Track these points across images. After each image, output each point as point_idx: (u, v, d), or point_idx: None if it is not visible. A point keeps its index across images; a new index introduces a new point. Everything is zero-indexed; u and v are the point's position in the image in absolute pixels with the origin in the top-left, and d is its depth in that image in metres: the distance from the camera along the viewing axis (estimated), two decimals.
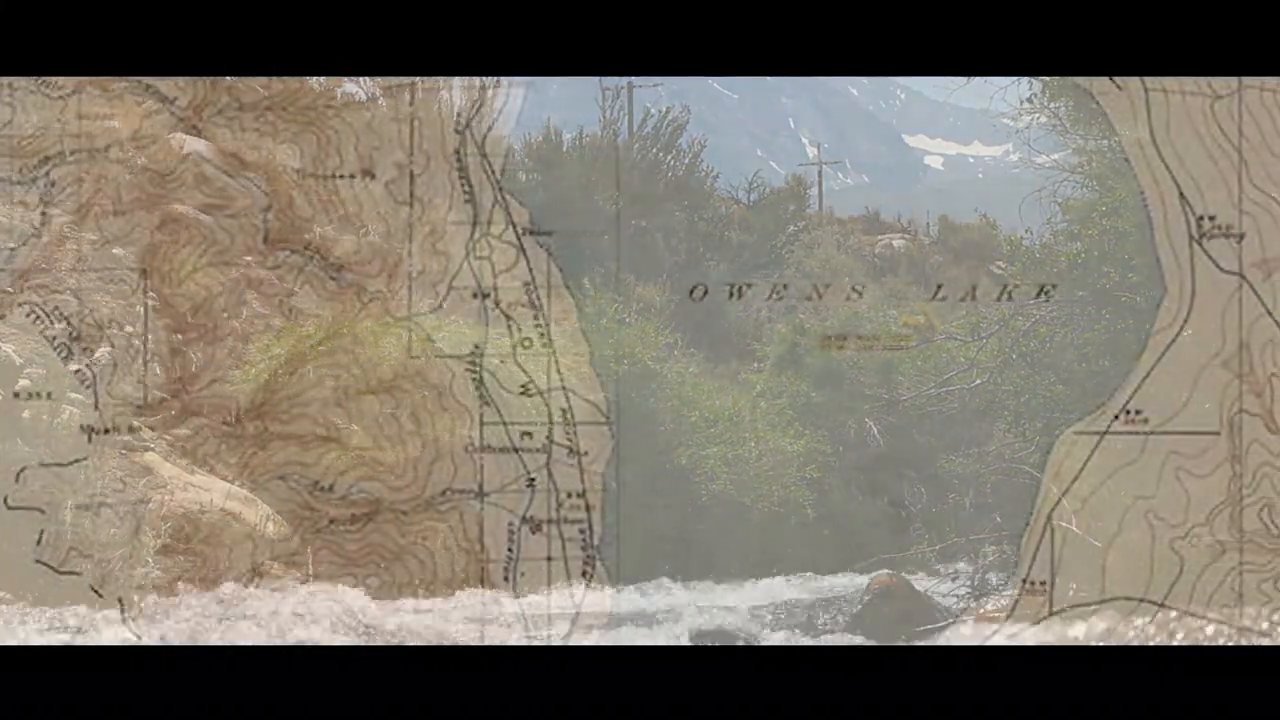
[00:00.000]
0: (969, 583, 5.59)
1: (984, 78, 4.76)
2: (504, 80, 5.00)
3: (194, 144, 4.84)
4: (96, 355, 4.93)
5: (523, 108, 5.02)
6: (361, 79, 4.98)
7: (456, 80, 4.98)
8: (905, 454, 6.95)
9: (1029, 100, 4.84)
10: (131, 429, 4.94)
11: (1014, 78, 4.68)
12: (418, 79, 5.02)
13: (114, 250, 4.92)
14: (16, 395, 4.88)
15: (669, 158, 8.26)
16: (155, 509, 4.93)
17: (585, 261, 5.12)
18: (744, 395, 5.90)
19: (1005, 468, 5.27)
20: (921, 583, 5.61)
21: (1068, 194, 5.21)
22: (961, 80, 4.74)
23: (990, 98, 4.90)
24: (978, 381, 4.64)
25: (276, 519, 4.94)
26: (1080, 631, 5.00)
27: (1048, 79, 5.11)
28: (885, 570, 5.66)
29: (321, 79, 4.94)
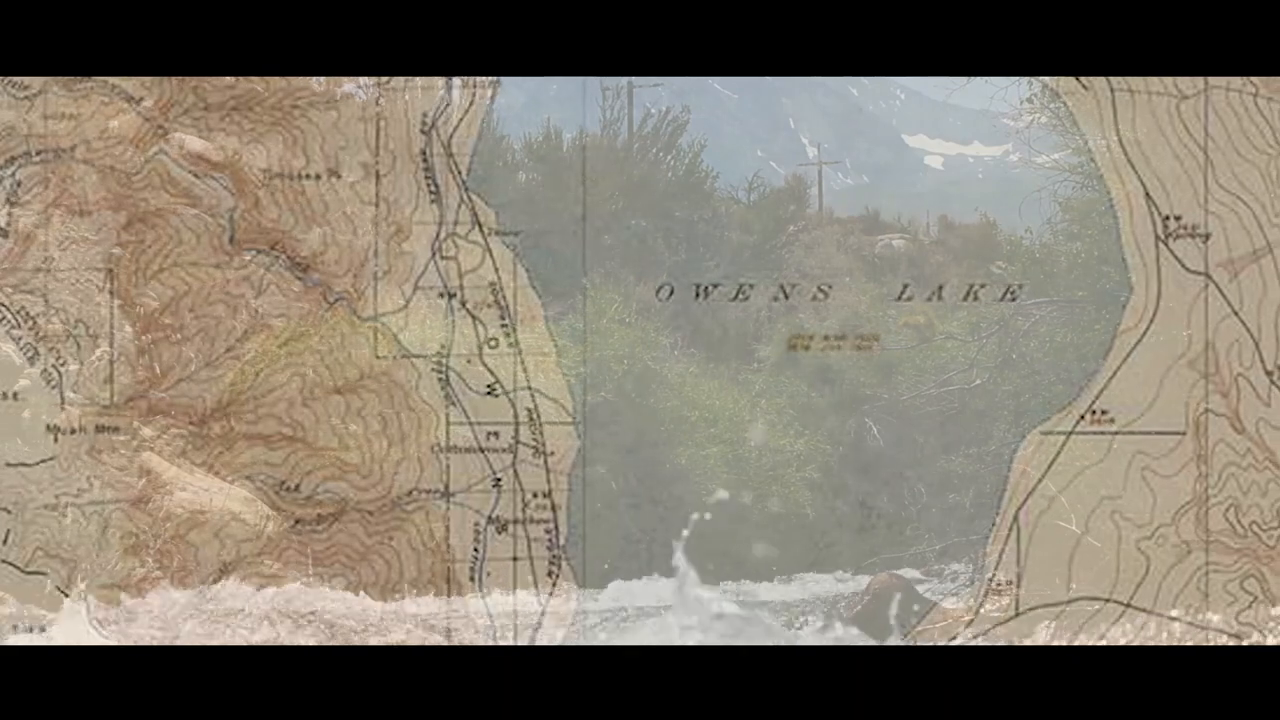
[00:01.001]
0: (968, 583, 5.59)
1: (984, 78, 4.75)
2: (471, 80, 5.00)
3: (193, 144, 4.85)
4: (63, 355, 4.94)
5: (490, 107, 5.03)
6: (362, 79, 4.99)
7: (420, 80, 4.98)
8: (906, 454, 6.95)
9: (1029, 100, 4.84)
10: (99, 429, 4.95)
11: (1014, 78, 4.67)
12: (390, 78, 5.02)
13: (80, 250, 4.92)
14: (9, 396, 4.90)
15: (669, 158, 8.27)
16: (125, 512, 4.94)
17: (573, 262, 5.12)
18: (744, 395, 5.90)
19: (976, 470, 5.28)
20: (921, 582, 5.61)
21: (1068, 194, 5.21)
22: (961, 80, 4.74)
23: (990, 98, 4.90)
24: (978, 382, 4.65)
25: (276, 518, 4.95)
26: (1046, 632, 5.00)
27: (1046, 79, 5.10)
28: (885, 570, 5.66)
29: (321, 78, 4.94)
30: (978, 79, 4.67)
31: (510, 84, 5.44)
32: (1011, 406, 6.69)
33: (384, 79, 4.99)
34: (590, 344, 5.10)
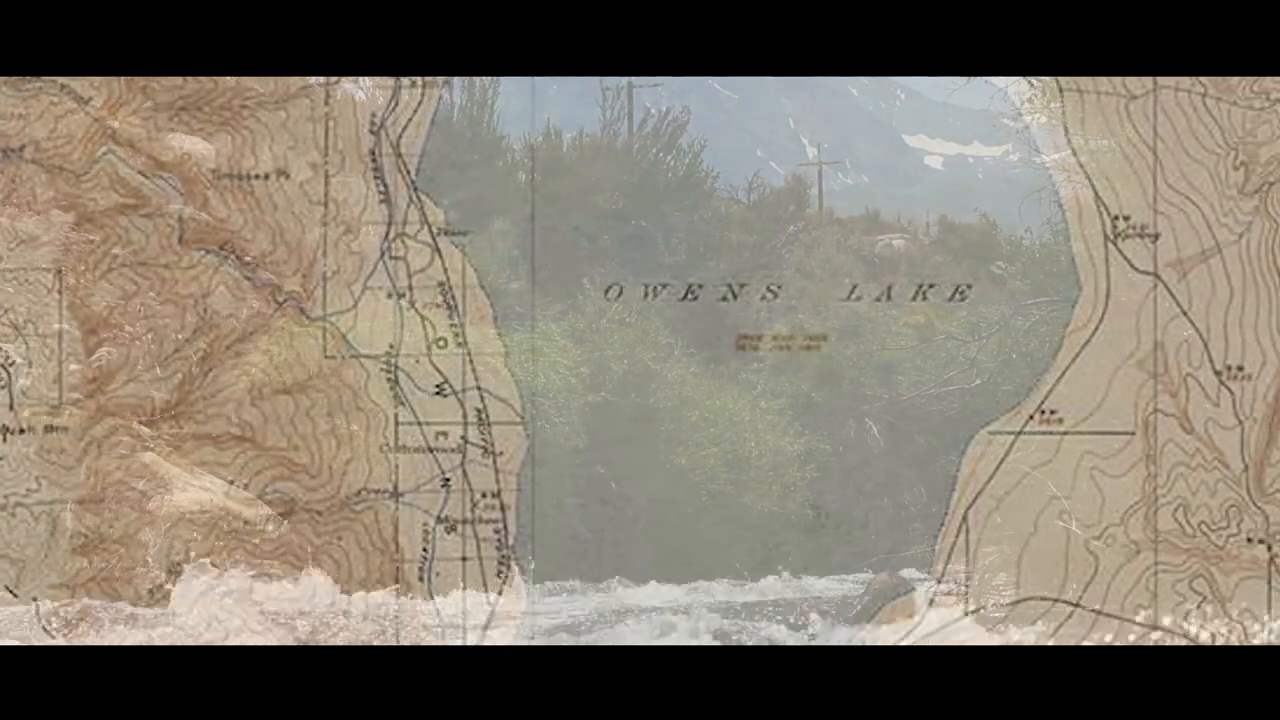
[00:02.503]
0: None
1: (984, 78, 4.76)
2: (419, 80, 5.00)
3: (192, 144, 4.85)
4: (11, 356, 4.95)
5: (438, 108, 5.03)
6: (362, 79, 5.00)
7: (367, 80, 4.99)
8: (905, 454, 6.95)
9: (1029, 100, 4.83)
10: (48, 429, 4.96)
11: (1014, 78, 4.68)
12: (339, 78, 5.03)
13: (29, 250, 4.93)
14: None
15: (669, 158, 8.26)
16: (74, 512, 4.94)
17: (519, 262, 5.11)
18: (744, 395, 5.91)
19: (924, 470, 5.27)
20: (921, 582, 5.60)
21: (1068, 194, 5.20)
22: (962, 80, 4.74)
23: (990, 98, 4.90)
24: (978, 381, 4.65)
25: (275, 518, 4.96)
26: (995, 631, 5.00)
27: (994, 79, 5.10)
28: (885, 570, 5.65)
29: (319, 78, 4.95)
30: (978, 79, 4.67)
31: (509, 84, 5.45)
32: (1012, 406, 6.67)
33: (332, 79, 4.99)
34: (591, 344, 5.10)
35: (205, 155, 4.95)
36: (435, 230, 5.01)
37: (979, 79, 5.03)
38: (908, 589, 4.92)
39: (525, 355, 5.03)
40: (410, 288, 5.00)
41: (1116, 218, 4.99)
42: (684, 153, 8.16)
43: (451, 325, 5.00)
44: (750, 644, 5.05)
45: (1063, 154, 5.02)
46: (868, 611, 4.91)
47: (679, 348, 5.20)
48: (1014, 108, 5.07)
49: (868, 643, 5.01)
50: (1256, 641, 4.93)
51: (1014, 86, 5.06)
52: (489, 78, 5.65)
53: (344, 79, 4.97)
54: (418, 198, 5.00)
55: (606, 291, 4.82)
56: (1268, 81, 4.94)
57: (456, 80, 5.18)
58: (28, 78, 4.98)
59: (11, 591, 4.94)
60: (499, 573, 5.00)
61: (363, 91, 4.99)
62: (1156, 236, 4.98)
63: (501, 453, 5.01)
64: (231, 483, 4.95)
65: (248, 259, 4.97)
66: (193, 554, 4.95)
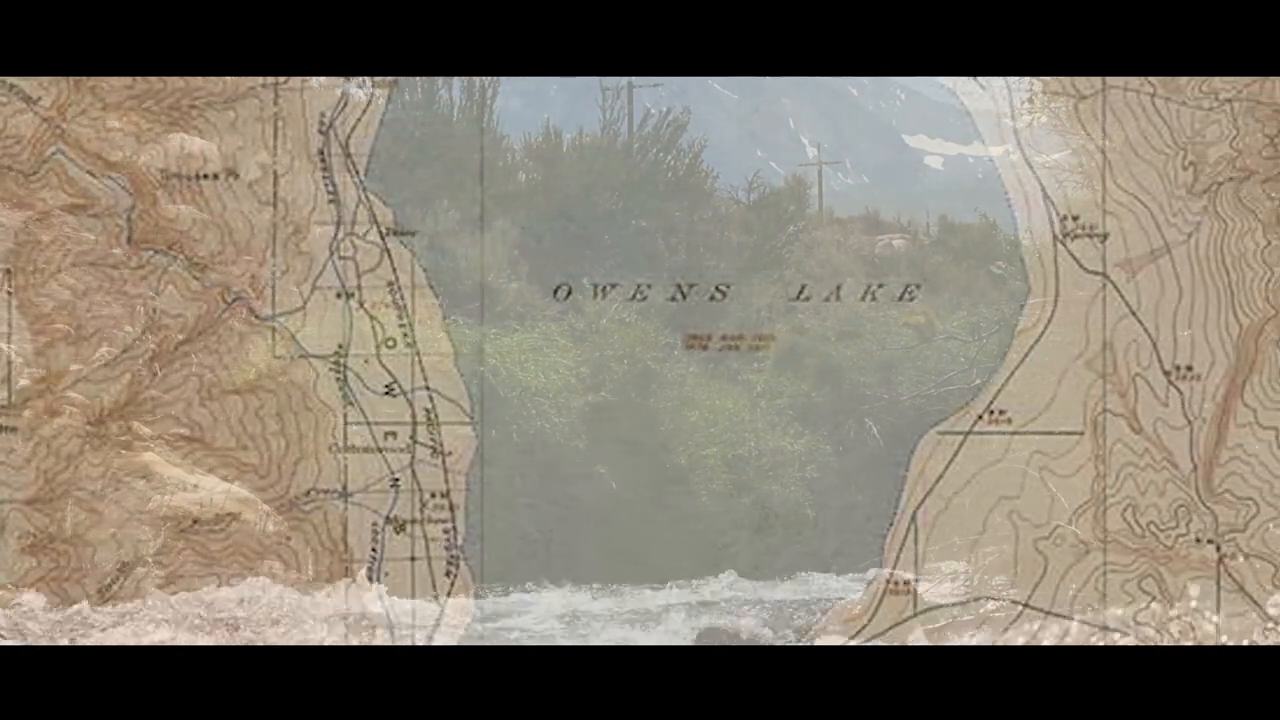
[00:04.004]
0: (967, 584, 5.58)
1: (984, 78, 4.76)
2: (368, 80, 5.00)
3: (193, 143, 4.86)
4: None
5: (386, 108, 5.03)
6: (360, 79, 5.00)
7: (316, 80, 4.99)
8: (904, 453, 6.93)
9: (1029, 100, 4.83)
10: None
11: (1015, 78, 4.68)
12: (287, 78, 5.03)
13: None
14: None
15: (669, 158, 8.26)
16: (22, 512, 4.95)
17: (472, 261, 5.11)
18: (744, 395, 5.90)
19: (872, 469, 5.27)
20: (921, 583, 5.59)
21: (1068, 194, 5.20)
22: (962, 80, 4.74)
23: (990, 98, 4.90)
24: (977, 381, 4.64)
25: (275, 518, 4.97)
26: (944, 632, 5.00)
27: (943, 80, 5.10)
28: (885, 570, 5.65)
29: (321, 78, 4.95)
30: (977, 79, 4.67)
31: (509, 84, 5.45)
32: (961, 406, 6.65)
33: (281, 79, 4.99)
34: (590, 343, 5.10)
35: (211, 155, 4.96)
36: (384, 230, 5.01)
37: (977, 79, 5.01)
38: (909, 590, 4.91)
39: (473, 355, 5.03)
40: (359, 288, 5.00)
41: (1065, 218, 4.99)
42: (684, 153, 8.16)
43: (400, 325, 5.00)
44: (729, 644, 5.04)
45: (1012, 153, 5.02)
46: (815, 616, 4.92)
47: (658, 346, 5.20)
48: (962, 108, 5.07)
49: (816, 644, 5.01)
50: (1206, 642, 4.92)
51: (962, 86, 5.06)
52: (489, 78, 5.64)
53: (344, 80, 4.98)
54: (366, 197, 5.00)
55: (555, 291, 4.81)
56: (1216, 81, 4.94)
57: (456, 80, 5.18)
58: None
59: None
60: (448, 573, 5.00)
61: (362, 92, 5.00)
62: (1105, 236, 4.98)
63: (450, 453, 5.01)
64: (197, 486, 4.96)
65: (197, 259, 4.97)
66: (142, 554, 4.95)
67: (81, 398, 4.96)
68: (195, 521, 4.95)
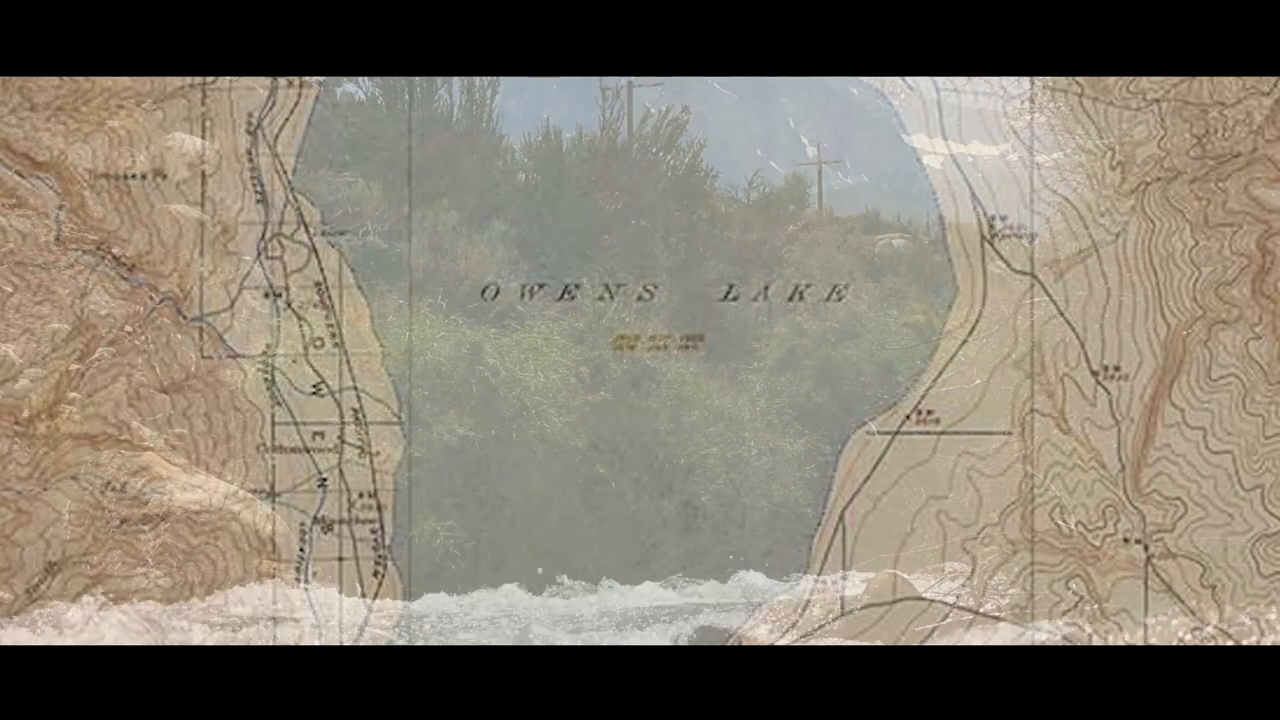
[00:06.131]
0: (967, 583, 5.58)
1: (984, 78, 4.77)
2: (296, 80, 5.00)
3: (192, 143, 4.86)
4: None
5: (315, 108, 5.03)
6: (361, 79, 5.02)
7: (245, 80, 4.99)
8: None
9: (1029, 100, 4.84)
10: None
11: (1015, 78, 4.68)
12: (215, 78, 5.03)
13: None
14: None
15: (669, 158, 8.25)
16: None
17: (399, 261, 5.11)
18: (744, 395, 5.88)
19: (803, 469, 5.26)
20: (921, 583, 5.59)
21: (1068, 194, 5.20)
22: (962, 80, 4.75)
23: (991, 98, 4.91)
24: (977, 381, 4.63)
25: (275, 519, 4.97)
26: (870, 631, 4.99)
27: (870, 79, 5.10)
28: (886, 570, 5.64)
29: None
30: (977, 79, 4.68)
31: (509, 84, 5.46)
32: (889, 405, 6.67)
33: (209, 79, 4.99)
34: (588, 343, 5.09)
35: (205, 153, 4.96)
36: (312, 230, 5.01)
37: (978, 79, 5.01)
38: (909, 590, 4.91)
39: (402, 355, 5.03)
40: (287, 288, 5.00)
41: (993, 218, 4.99)
42: (684, 152, 8.14)
43: (328, 325, 5.00)
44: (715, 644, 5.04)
45: (940, 154, 5.02)
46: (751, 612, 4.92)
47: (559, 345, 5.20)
48: (892, 110, 5.07)
49: (744, 642, 5.00)
50: (1134, 642, 4.91)
51: (888, 85, 5.06)
52: (489, 77, 5.63)
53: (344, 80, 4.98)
54: (294, 198, 5.00)
55: (483, 292, 4.81)
56: (1144, 81, 4.93)
57: (456, 80, 5.18)
58: None
59: None
60: (375, 573, 5.00)
61: (362, 91, 5.01)
62: (1033, 237, 4.97)
63: (378, 453, 5.01)
64: (118, 487, 4.95)
65: (124, 259, 4.97)
66: (69, 554, 4.95)
67: (9, 398, 4.96)
68: (124, 521, 4.95)
